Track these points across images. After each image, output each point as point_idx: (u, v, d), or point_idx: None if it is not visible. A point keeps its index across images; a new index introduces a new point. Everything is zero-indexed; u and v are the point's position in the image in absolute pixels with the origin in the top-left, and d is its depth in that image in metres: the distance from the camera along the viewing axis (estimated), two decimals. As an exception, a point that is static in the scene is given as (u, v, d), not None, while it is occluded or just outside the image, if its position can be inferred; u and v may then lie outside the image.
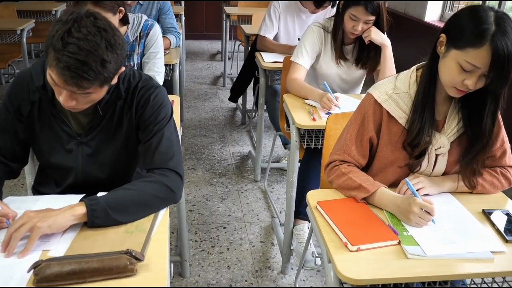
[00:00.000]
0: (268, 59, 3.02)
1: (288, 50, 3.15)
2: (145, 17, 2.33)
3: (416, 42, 4.60)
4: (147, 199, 1.32)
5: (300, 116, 2.10)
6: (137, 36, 2.30)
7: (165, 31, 3.30)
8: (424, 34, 4.44)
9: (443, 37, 1.32)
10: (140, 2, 3.22)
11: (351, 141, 1.49)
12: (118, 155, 1.52)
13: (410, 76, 1.45)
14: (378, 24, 2.26)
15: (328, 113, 2.13)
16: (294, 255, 2.33)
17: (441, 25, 4.41)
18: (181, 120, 4.13)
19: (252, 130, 3.97)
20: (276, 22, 3.27)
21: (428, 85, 1.37)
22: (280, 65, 2.86)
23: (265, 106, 3.18)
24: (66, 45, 1.18)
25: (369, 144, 1.50)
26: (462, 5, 4.48)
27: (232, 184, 3.13)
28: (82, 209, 1.24)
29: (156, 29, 2.33)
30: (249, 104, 4.31)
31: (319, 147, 2.14)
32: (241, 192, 3.05)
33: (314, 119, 2.06)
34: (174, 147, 1.47)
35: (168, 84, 3.00)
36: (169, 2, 3.37)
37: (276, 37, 3.34)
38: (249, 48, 3.89)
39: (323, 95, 2.17)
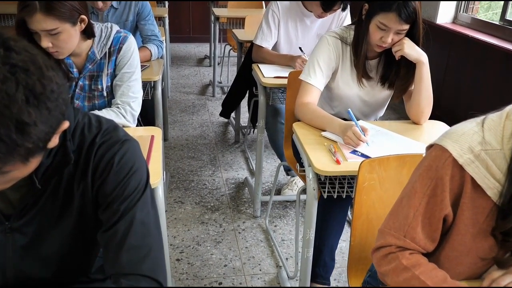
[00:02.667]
0: (268, 74, 2.53)
1: (289, 61, 2.67)
2: (116, 28, 1.83)
3: (427, 47, 4.14)
4: None
5: (319, 157, 1.62)
6: (106, 53, 1.79)
7: (144, 40, 2.80)
8: (436, 38, 3.99)
9: None
10: (114, 5, 2.70)
11: (416, 219, 1.01)
12: (68, 245, 1.02)
13: (504, 124, 0.97)
14: (412, 34, 1.79)
15: (354, 152, 1.65)
16: (309, 327, 1.86)
17: (455, 28, 3.98)
18: (166, 139, 3.65)
19: (247, 150, 3.48)
20: (275, 29, 2.78)
21: None
22: (284, 81, 2.38)
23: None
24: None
25: (441, 222, 1.02)
26: (478, 5, 4.04)
27: (227, 222, 2.63)
28: None
29: (131, 43, 1.83)
30: (243, 118, 3.83)
31: (344, 195, 1.66)
32: (238, 232, 2.56)
33: (338, 162, 1.58)
34: (151, 236, 0.97)
35: (149, 105, 2.50)
36: (149, 5, 2.86)
37: (275, 46, 2.85)
38: (242, 57, 3.41)
39: (346, 127, 1.69)
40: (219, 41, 4.94)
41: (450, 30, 3.89)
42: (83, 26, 1.64)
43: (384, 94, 2.01)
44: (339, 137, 1.74)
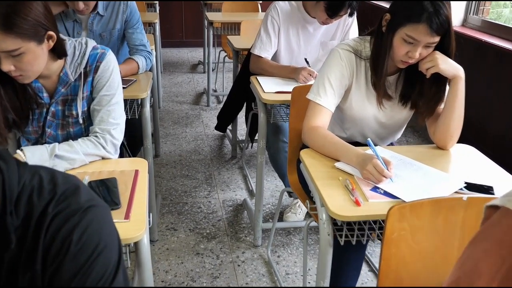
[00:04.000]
0: (269, 88, 2.27)
1: (292, 73, 2.41)
2: (92, 44, 1.56)
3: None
4: None
5: (334, 196, 1.36)
6: (80, 73, 1.53)
7: (131, 50, 2.53)
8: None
9: None
10: (100, 12, 2.41)
11: None
12: None
13: None
14: (442, 46, 1.54)
15: (375, 189, 1.39)
16: None
17: (465, 31, 3.73)
18: (157, 155, 3.38)
19: (245, 167, 3.22)
20: (275, 37, 2.52)
21: None
22: (287, 96, 2.12)
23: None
24: None
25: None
26: (489, 7, 3.80)
27: (225, 252, 2.37)
28: None
29: (109, 60, 1.56)
30: (240, 130, 3.57)
31: (364, 241, 1.41)
32: (238, 264, 2.29)
33: (357, 203, 1.32)
34: None
35: (137, 124, 2.24)
36: (138, 13, 2.57)
37: (275, 56, 2.59)
38: (239, 66, 3.15)
39: (365, 159, 1.43)
40: (214, 46, 4.68)
41: (460, 34, 3.64)
42: (52, 44, 1.38)
43: (404, 114, 1.75)
44: (355, 169, 1.48)
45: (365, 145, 1.86)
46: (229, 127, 3.46)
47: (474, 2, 3.73)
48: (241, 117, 3.36)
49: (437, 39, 1.48)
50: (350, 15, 2.38)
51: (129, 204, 1.28)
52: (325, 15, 2.30)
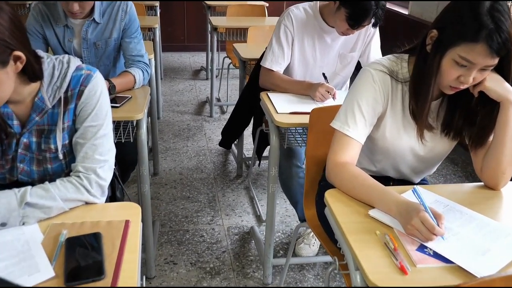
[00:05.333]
0: (282, 108, 2.00)
1: (307, 90, 2.15)
2: (75, 63, 1.29)
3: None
4: None
5: (372, 257, 1.08)
6: (60, 98, 1.26)
7: (127, 61, 2.26)
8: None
9: None
10: (96, 19, 2.14)
11: None
12: None
13: None
14: (500, 67, 1.27)
15: (422, 249, 1.12)
16: None
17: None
18: (156, 174, 3.11)
19: (252, 188, 2.94)
20: (288, 49, 2.25)
21: None
22: (304, 118, 1.85)
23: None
24: None
25: None
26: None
27: (230, 292, 2.10)
28: None
29: (96, 84, 1.29)
30: (246, 145, 3.30)
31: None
32: (245, 307, 2.03)
33: (403, 269, 1.04)
34: None
35: (130, 150, 1.97)
36: (138, 22, 2.29)
37: (287, 69, 2.32)
38: (246, 76, 2.88)
39: (409, 210, 1.15)
40: (217, 51, 4.39)
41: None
42: (20, 66, 1.11)
43: (446, 146, 1.48)
44: (394, 219, 1.21)
45: (398, 180, 1.60)
46: (235, 142, 3.19)
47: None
48: (247, 129, 3.09)
49: (496, 61, 1.20)
50: (374, 25, 2.11)
51: (115, 272, 1.01)
52: (346, 24, 2.03)
